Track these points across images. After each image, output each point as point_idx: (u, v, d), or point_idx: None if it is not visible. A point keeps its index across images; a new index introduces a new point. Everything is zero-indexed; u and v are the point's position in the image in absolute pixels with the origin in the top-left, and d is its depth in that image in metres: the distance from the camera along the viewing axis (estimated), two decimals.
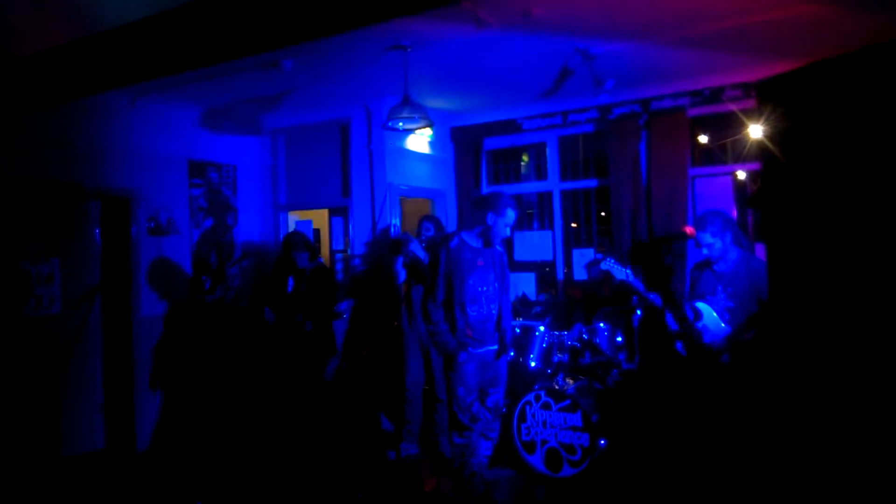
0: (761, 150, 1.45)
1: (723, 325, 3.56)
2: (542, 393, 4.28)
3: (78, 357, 5.15)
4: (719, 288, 3.63)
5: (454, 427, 3.77)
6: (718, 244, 3.58)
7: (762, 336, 3.28)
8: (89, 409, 5.22)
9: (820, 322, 1.44)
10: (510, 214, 3.72)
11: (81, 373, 5.16)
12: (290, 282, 4.55)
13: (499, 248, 3.87)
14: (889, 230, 1.28)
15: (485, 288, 3.74)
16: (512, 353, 3.80)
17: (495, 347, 3.85)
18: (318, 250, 4.90)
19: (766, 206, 2.16)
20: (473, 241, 3.78)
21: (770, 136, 1.41)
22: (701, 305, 3.64)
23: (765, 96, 1.47)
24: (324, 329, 4.52)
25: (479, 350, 3.76)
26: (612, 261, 4.37)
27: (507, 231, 3.76)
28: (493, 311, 3.80)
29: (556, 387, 4.29)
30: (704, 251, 3.66)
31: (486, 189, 6.46)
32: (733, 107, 5.12)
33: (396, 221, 5.71)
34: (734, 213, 5.14)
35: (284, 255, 4.67)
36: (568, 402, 4.17)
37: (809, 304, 1.43)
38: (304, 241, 4.76)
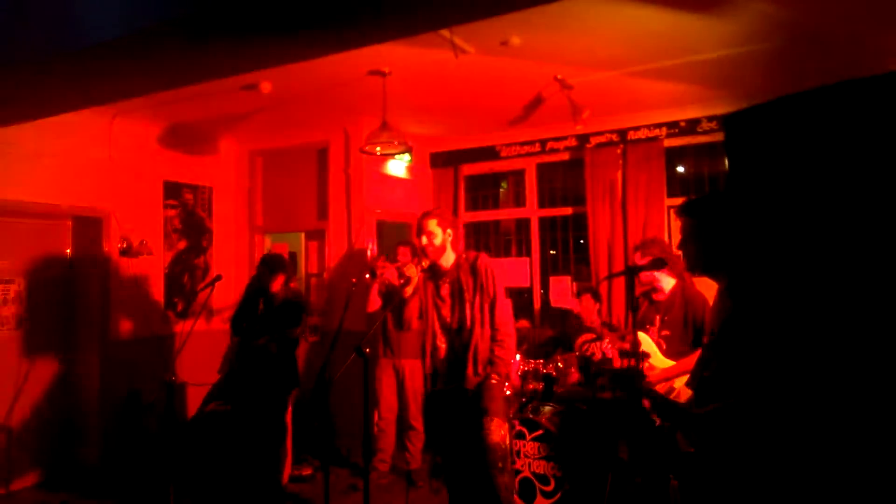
0: (728, 180, 1.46)
1: (660, 355, 3.55)
2: (517, 421, 4.23)
3: (40, 381, 5.01)
4: (657, 317, 3.63)
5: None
6: (655, 272, 3.56)
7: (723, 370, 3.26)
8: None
9: (788, 345, 1.44)
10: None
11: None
12: (261, 305, 4.45)
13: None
14: (855, 259, 1.29)
15: None
16: None
17: None
18: (294, 273, 4.78)
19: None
20: None
21: (735, 167, 1.42)
22: (640, 335, 3.64)
23: (731, 128, 1.49)
24: (286, 358, 4.42)
25: None
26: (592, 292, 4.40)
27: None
28: None
29: (531, 416, 4.24)
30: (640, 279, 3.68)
31: (464, 215, 6.46)
32: (708, 139, 5.21)
33: (373, 246, 5.67)
34: None
35: (259, 276, 4.57)
36: (542, 431, 4.12)
37: (773, 331, 1.42)
38: (283, 261, 4.67)
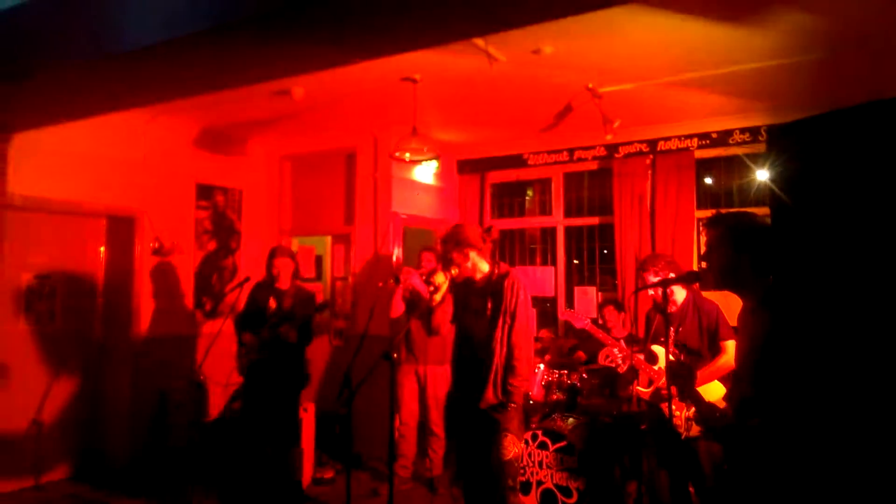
0: (769, 193, 1.44)
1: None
2: (540, 432, 4.20)
3: (71, 376, 5.11)
4: (670, 329, 3.64)
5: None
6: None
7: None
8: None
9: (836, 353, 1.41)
10: None
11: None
12: (272, 302, 4.45)
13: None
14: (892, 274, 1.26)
15: None
16: None
17: None
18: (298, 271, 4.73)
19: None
20: None
21: (777, 179, 1.40)
22: (656, 348, 3.67)
23: (774, 141, 1.47)
24: (298, 354, 4.42)
25: None
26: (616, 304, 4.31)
27: None
28: None
29: (554, 426, 4.21)
30: (651, 292, 3.70)
31: (489, 222, 6.44)
32: (741, 151, 5.14)
33: (398, 251, 5.70)
34: None
35: (268, 271, 4.54)
36: (565, 442, 4.09)
37: (827, 346, 1.40)
38: (290, 251, 4.67)
